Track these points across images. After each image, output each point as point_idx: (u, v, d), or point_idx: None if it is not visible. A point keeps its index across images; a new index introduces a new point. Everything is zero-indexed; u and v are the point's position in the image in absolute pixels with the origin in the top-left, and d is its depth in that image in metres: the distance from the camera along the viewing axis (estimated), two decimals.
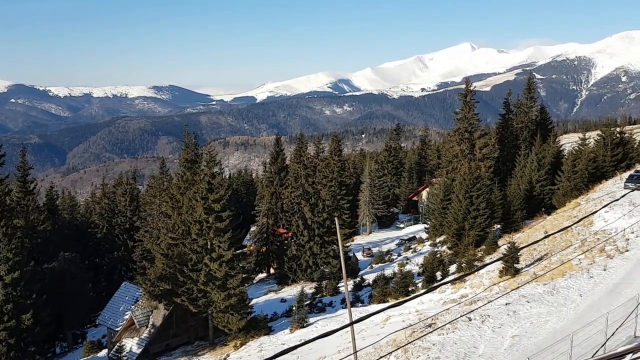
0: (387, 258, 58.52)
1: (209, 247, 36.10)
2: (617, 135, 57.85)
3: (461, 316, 23.65)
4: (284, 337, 33.38)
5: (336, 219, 24.41)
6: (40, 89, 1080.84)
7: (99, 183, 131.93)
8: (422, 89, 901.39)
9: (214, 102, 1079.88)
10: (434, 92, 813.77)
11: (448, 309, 27.25)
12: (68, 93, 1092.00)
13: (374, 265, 56.63)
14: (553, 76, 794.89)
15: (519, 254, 32.33)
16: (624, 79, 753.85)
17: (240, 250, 43.49)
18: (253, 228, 64.95)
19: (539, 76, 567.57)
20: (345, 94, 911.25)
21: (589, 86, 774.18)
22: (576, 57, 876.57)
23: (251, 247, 61.79)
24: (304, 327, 33.84)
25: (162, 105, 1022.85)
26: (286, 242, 57.99)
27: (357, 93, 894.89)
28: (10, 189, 40.43)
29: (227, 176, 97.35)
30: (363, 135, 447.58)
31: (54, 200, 62.26)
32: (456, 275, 40.03)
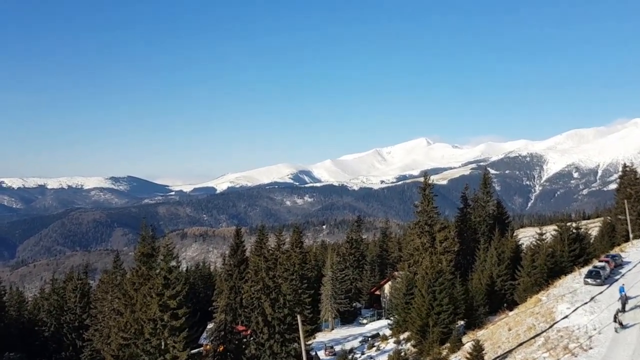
0: (350, 357, 56.80)
1: (163, 347, 34.42)
2: (574, 230, 59.69)
3: None
4: None
5: (298, 315, 23.93)
6: None
7: (48, 278, 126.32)
8: (382, 181, 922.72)
9: (173, 193, 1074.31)
10: (393, 184, 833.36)
11: None
12: (22, 184, 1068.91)
13: None
14: (507, 172, 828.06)
15: (483, 352, 31.96)
16: (575, 175, 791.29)
17: (196, 350, 41.69)
18: (210, 325, 62.54)
19: (493, 171, 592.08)
20: (306, 185, 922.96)
21: (542, 182, 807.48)
22: (528, 153, 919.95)
23: (207, 347, 59.08)
24: None
25: (119, 196, 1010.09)
26: (245, 340, 55.80)
27: (318, 184, 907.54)
28: None
29: (184, 270, 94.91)
30: (324, 227, 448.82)
31: (1, 297, 59.16)
32: None
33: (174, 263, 38.21)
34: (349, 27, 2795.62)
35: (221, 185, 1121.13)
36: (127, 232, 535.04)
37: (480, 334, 42.75)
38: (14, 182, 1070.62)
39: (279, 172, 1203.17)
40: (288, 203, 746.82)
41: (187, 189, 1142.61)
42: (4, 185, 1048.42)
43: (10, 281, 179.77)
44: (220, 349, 58.71)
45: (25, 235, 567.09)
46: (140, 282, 39.29)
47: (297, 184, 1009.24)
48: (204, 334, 61.73)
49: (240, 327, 58.94)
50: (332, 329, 75.68)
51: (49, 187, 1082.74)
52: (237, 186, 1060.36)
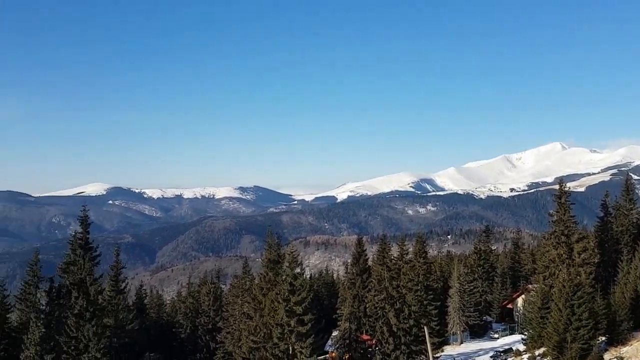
0: None
1: (290, 352, 35.50)
2: None
3: None
4: None
5: (425, 327, 23.43)
6: (136, 191, 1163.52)
7: (185, 281, 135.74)
8: (512, 189, 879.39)
9: (296, 202, 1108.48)
10: (525, 192, 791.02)
11: None
12: (161, 195, 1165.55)
13: None
14: None
15: None
16: None
17: (322, 357, 42.42)
18: (335, 333, 63.37)
19: (636, 177, 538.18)
20: (429, 194, 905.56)
21: None
22: None
23: (333, 354, 59.92)
24: None
25: (247, 205, 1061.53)
26: (370, 349, 55.86)
27: (441, 193, 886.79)
28: (103, 288, 42.47)
29: (308, 277, 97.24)
30: (449, 237, 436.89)
31: (142, 299, 64.48)
32: None
33: (298, 270, 39.36)
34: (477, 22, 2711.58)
35: (341, 195, 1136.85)
36: (254, 239, 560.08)
37: (624, 350, 39.37)
38: (154, 193, 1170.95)
39: (400, 181, 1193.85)
40: (410, 212, 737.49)
41: (309, 198, 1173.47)
42: (145, 195, 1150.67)
43: (150, 285, 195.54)
44: (346, 357, 59.20)
45: (164, 242, 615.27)
46: (268, 288, 40.96)
47: (419, 192, 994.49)
48: (329, 342, 62.61)
49: (365, 336, 59.06)
50: (461, 343, 73.29)
51: (184, 197, 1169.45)
52: (357, 195, 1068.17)
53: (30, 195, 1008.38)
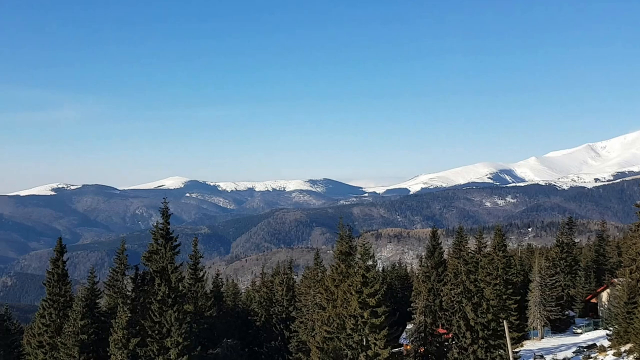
0: None
1: (364, 343, 35.69)
2: None
3: None
4: None
5: (504, 321, 22.92)
6: (211, 184, 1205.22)
7: (258, 271, 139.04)
8: (596, 179, 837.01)
9: (366, 194, 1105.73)
10: (610, 182, 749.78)
11: None
12: (234, 188, 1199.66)
13: None
14: None
15: None
16: None
17: (396, 349, 42.35)
18: (409, 326, 63.01)
19: None
20: (508, 185, 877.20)
21: None
22: None
23: (408, 347, 59.65)
24: None
25: (317, 197, 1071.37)
26: (446, 343, 55.15)
27: (521, 184, 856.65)
28: (183, 276, 44.25)
29: (380, 269, 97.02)
30: (529, 229, 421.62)
31: (219, 288, 66.70)
32: None
33: (370, 262, 39.42)
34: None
35: (414, 187, 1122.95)
36: (325, 231, 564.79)
37: None
38: (228, 186, 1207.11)
39: (477, 172, 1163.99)
40: (487, 204, 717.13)
41: (380, 190, 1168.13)
42: (219, 188, 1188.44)
43: (226, 274, 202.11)
44: (421, 350, 58.78)
45: (238, 233, 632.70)
46: (340, 279, 41.26)
47: (497, 184, 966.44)
48: (404, 334, 62.36)
49: (440, 330, 58.38)
50: (542, 338, 70.93)
51: (256, 189, 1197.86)
52: (431, 187, 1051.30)
53: (116, 189, 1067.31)
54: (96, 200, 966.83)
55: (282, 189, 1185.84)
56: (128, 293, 40.97)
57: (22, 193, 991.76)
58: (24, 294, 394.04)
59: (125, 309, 37.16)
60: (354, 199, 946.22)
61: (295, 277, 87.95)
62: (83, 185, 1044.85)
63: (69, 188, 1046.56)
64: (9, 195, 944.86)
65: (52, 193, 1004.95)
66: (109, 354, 35.72)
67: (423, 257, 71.78)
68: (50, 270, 43.00)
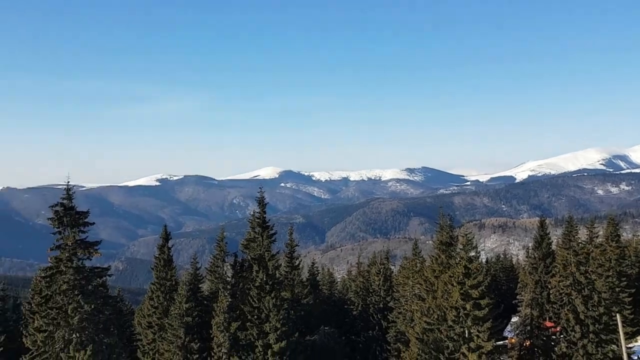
0: None
1: (466, 336, 35.00)
2: None
3: None
4: None
5: (617, 315, 21.65)
6: (305, 174, 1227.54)
7: (354, 261, 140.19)
8: None
9: (469, 183, 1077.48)
10: None
11: None
12: (329, 177, 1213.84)
13: None
14: None
15: None
16: None
17: (500, 342, 41.19)
18: (514, 319, 61.01)
19: None
20: (622, 172, 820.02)
21: None
22: None
23: (512, 340, 57.85)
24: None
25: (414, 186, 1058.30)
26: (554, 337, 52.86)
27: (637, 170, 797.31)
28: (280, 264, 45.62)
29: (484, 260, 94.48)
30: None
31: (315, 276, 67.97)
32: None
33: (473, 253, 38.54)
34: None
35: (520, 174, 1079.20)
36: (424, 221, 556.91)
37: None
38: (322, 176, 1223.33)
39: (587, 158, 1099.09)
40: (600, 192, 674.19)
41: (484, 178, 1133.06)
42: (314, 178, 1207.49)
43: (321, 263, 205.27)
44: (527, 343, 56.78)
45: (333, 222, 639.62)
46: (441, 270, 40.69)
47: (610, 170, 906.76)
48: (508, 327, 60.64)
49: (548, 323, 56.14)
50: None
51: (351, 179, 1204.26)
52: (539, 174, 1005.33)
53: (215, 179, 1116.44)
54: (197, 190, 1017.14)
55: (378, 178, 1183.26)
56: (228, 279, 42.83)
57: (130, 184, 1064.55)
58: (134, 277, 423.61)
59: (226, 294, 38.92)
60: (455, 188, 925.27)
61: (392, 267, 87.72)
62: (184, 176, 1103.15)
63: (171, 179, 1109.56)
64: (118, 186, 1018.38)
65: (157, 183, 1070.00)
66: (211, 336, 37.61)
67: (530, 248, 69.19)
68: (157, 256, 45.87)
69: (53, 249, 31.72)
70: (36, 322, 31.16)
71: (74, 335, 30.96)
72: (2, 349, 39.76)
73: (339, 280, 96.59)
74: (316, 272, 71.40)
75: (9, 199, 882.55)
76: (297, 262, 58.47)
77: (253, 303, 38.21)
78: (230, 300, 38.49)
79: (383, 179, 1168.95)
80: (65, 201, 31.62)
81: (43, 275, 32.18)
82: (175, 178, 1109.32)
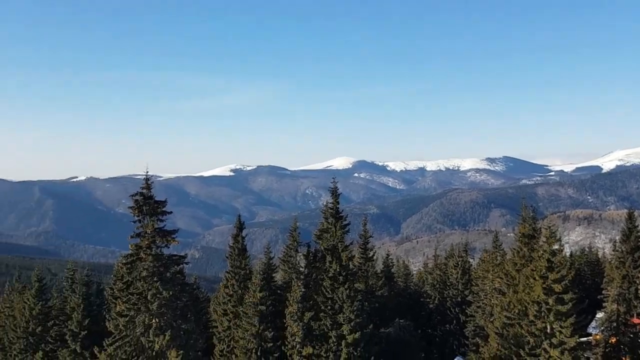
0: None
1: (548, 331, 33.83)
2: None
3: None
4: None
5: None
6: (379, 164, 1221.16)
7: (430, 253, 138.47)
8: None
9: (552, 173, 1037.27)
10: None
11: None
12: (404, 167, 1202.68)
13: None
14: None
15: None
16: None
17: (584, 339, 39.55)
18: (599, 315, 58.39)
19: None
20: None
21: None
22: None
23: (597, 336, 55.48)
24: None
25: (495, 177, 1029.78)
26: None
27: None
28: (353, 255, 45.75)
29: (568, 254, 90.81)
30: None
31: (389, 268, 67.71)
32: None
33: (556, 246, 37.17)
34: None
35: (607, 164, 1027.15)
36: (505, 213, 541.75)
37: None
38: (397, 166, 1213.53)
39: None
40: None
41: (568, 168, 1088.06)
42: (388, 168, 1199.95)
43: (396, 254, 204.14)
44: (613, 340, 54.31)
45: (408, 214, 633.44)
46: (522, 264, 39.48)
47: None
48: (593, 323, 58.18)
49: (635, 320, 53.46)
50: None
51: (427, 169, 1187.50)
52: (628, 164, 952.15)
53: (287, 169, 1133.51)
54: (269, 180, 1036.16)
55: (456, 168, 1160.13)
56: (301, 269, 43.43)
57: (205, 174, 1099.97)
58: (209, 266, 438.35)
59: (299, 284, 39.50)
60: (538, 178, 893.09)
61: (470, 260, 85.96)
62: (258, 166, 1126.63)
63: (245, 169, 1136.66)
64: (194, 176, 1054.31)
65: (231, 174, 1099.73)
66: (285, 325, 38.34)
67: (617, 241, 65.85)
68: (232, 245, 47.15)
69: (133, 236, 33.26)
70: (118, 307, 32.84)
71: (153, 321, 32.45)
72: (86, 332, 42.32)
73: (414, 272, 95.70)
74: (391, 264, 71.06)
75: (92, 188, 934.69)
76: (371, 254, 58.36)
77: (326, 294, 38.55)
78: (303, 290, 39.03)
79: (462, 168, 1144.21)
80: (144, 191, 33.04)
81: (124, 262, 33.82)
82: (248, 168, 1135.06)
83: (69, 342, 42.56)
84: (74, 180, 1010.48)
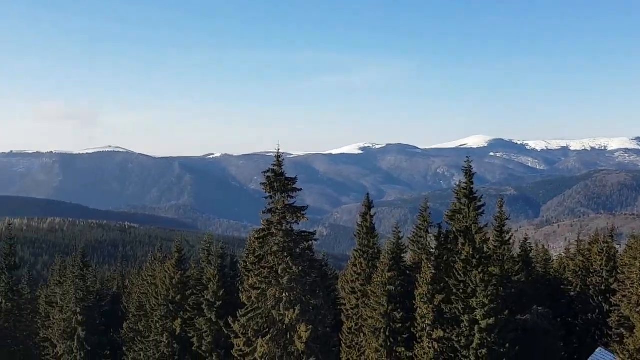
0: None
1: None
2: None
3: None
4: None
5: None
6: (518, 143, 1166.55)
7: (572, 238, 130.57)
8: None
9: None
10: None
11: None
12: (545, 147, 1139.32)
13: None
14: None
15: None
16: None
17: None
18: None
19: None
20: None
21: None
22: None
23: None
24: None
25: None
26: None
27: None
28: (488, 238, 44.12)
29: None
30: None
31: (527, 252, 64.59)
32: None
33: None
34: None
35: None
36: None
37: None
38: (538, 145, 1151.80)
39: None
40: None
41: None
42: (528, 147, 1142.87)
43: (535, 239, 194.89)
44: None
45: (549, 196, 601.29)
46: None
47: None
48: None
49: None
50: None
51: (571, 148, 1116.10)
52: None
53: (418, 148, 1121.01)
54: (399, 159, 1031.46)
55: (603, 148, 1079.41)
56: (432, 250, 42.69)
57: (334, 152, 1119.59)
58: (337, 243, 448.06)
59: (430, 265, 38.87)
60: None
61: (617, 246, 79.94)
62: (387, 145, 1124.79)
63: (374, 147, 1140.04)
64: (323, 154, 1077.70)
65: (359, 152, 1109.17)
66: (415, 306, 38.01)
67: None
68: (360, 223, 47.42)
69: (265, 212, 34.57)
70: (250, 279, 34.43)
71: (283, 294, 33.65)
72: (221, 302, 44.94)
73: (554, 258, 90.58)
74: (529, 248, 67.87)
75: (226, 165, 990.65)
76: (508, 237, 55.96)
77: (458, 277, 37.68)
78: (434, 272, 38.41)
79: (609, 149, 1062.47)
80: (275, 167, 34.14)
81: (256, 236, 35.29)
82: (377, 146, 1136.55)
83: (205, 311, 45.44)
84: (210, 157, 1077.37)
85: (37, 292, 67.00)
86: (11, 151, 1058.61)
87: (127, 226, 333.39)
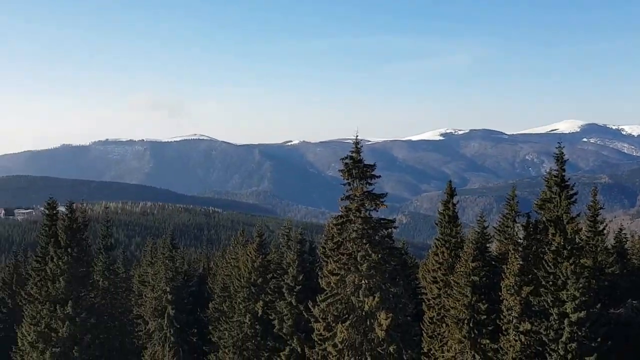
0: None
1: None
2: None
3: None
4: None
5: None
6: (613, 127, 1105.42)
7: None
8: None
9: None
10: None
11: None
12: None
13: None
14: None
15: None
16: None
17: None
18: None
19: None
20: None
21: None
22: None
23: None
24: None
25: None
26: None
27: None
28: (580, 228, 42.07)
29: None
30: None
31: (622, 243, 61.33)
32: None
33: None
34: None
35: None
36: None
37: None
38: (634, 130, 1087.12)
39: None
40: None
41: None
42: (623, 132, 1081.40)
43: (630, 229, 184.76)
44: None
45: None
46: None
47: None
48: None
49: None
50: None
51: None
52: None
53: (504, 133, 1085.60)
54: (483, 146, 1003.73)
55: None
56: (519, 240, 41.19)
57: (414, 138, 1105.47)
58: (417, 232, 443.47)
59: (517, 256, 37.46)
60: None
61: None
62: (470, 130, 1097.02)
63: (456, 133, 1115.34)
64: (402, 140, 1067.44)
65: (441, 138, 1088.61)
66: (500, 298, 36.83)
67: None
68: (442, 211, 46.35)
69: (343, 199, 34.50)
70: (329, 265, 34.55)
71: (363, 281, 33.54)
72: (301, 286, 45.48)
73: None
74: (624, 239, 64.46)
75: (304, 151, 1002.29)
76: (601, 227, 53.22)
77: (548, 268, 36.21)
78: (521, 263, 37.01)
79: None
80: (353, 154, 33.95)
81: (335, 222, 35.30)
82: (460, 132, 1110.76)
83: (285, 294, 46.19)
84: (289, 144, 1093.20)
85: (131, 272, 70.62)
86: (107, 139, 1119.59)
87: (211, 211, 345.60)
